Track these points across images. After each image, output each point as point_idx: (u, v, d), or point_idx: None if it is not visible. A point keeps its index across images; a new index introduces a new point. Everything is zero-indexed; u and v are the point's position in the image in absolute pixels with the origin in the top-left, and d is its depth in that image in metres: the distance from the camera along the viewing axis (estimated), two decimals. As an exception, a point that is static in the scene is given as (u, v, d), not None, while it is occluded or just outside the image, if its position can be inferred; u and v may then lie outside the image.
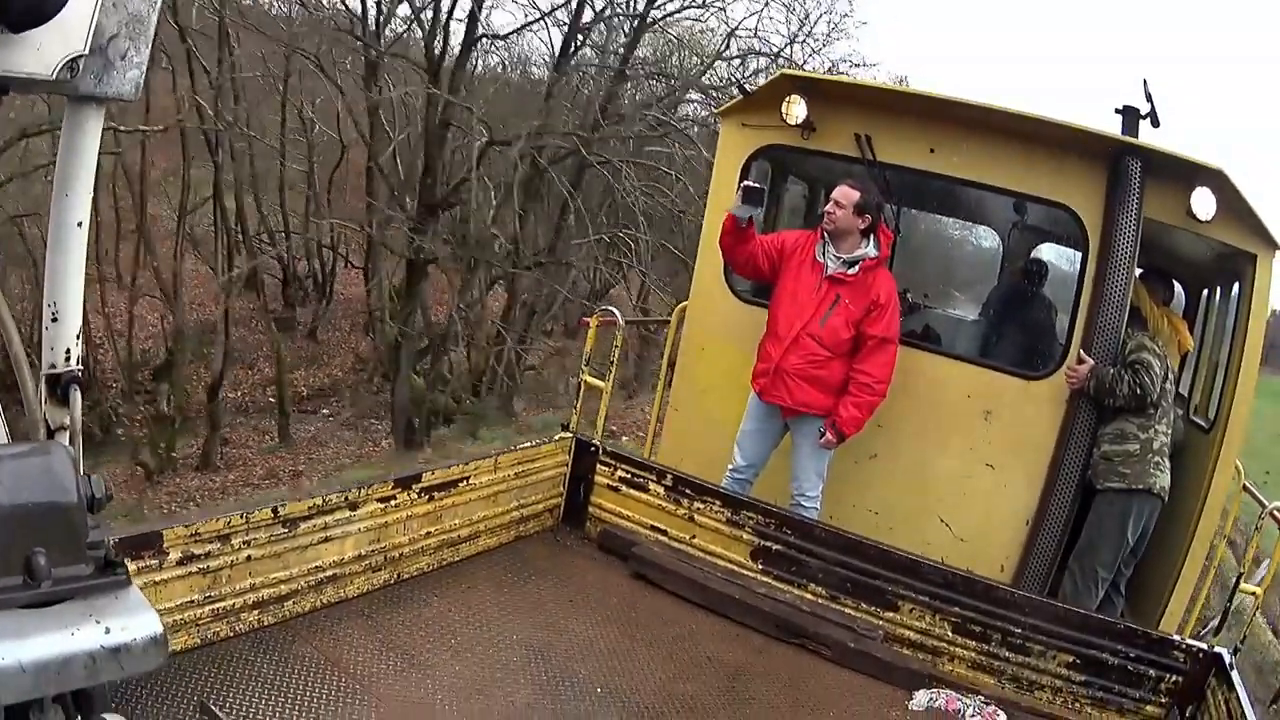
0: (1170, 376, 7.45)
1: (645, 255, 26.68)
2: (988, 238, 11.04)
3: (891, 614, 6.46)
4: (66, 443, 2.95)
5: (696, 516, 7.01)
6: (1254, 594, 6.24)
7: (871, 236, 7.21)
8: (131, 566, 4.20)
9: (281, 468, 24.61)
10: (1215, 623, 6.48)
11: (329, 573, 5.44)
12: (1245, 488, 7.83)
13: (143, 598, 2.64)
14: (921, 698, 5.97)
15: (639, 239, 26.06)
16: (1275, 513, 6.29)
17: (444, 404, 28.19)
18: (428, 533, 6.15)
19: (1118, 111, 7.39)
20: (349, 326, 35.47)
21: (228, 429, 27.21)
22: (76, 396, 2.96)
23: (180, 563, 4.58)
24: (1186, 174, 6.89)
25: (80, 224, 2.79)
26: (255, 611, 5.06)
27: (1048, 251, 9.63)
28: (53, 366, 2.93)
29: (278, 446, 26.52)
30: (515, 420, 26.98)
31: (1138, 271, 7.57)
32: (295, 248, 31.92)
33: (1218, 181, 6.78)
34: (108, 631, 2.48)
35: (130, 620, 2.54)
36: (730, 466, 7.63)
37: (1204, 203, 6.82)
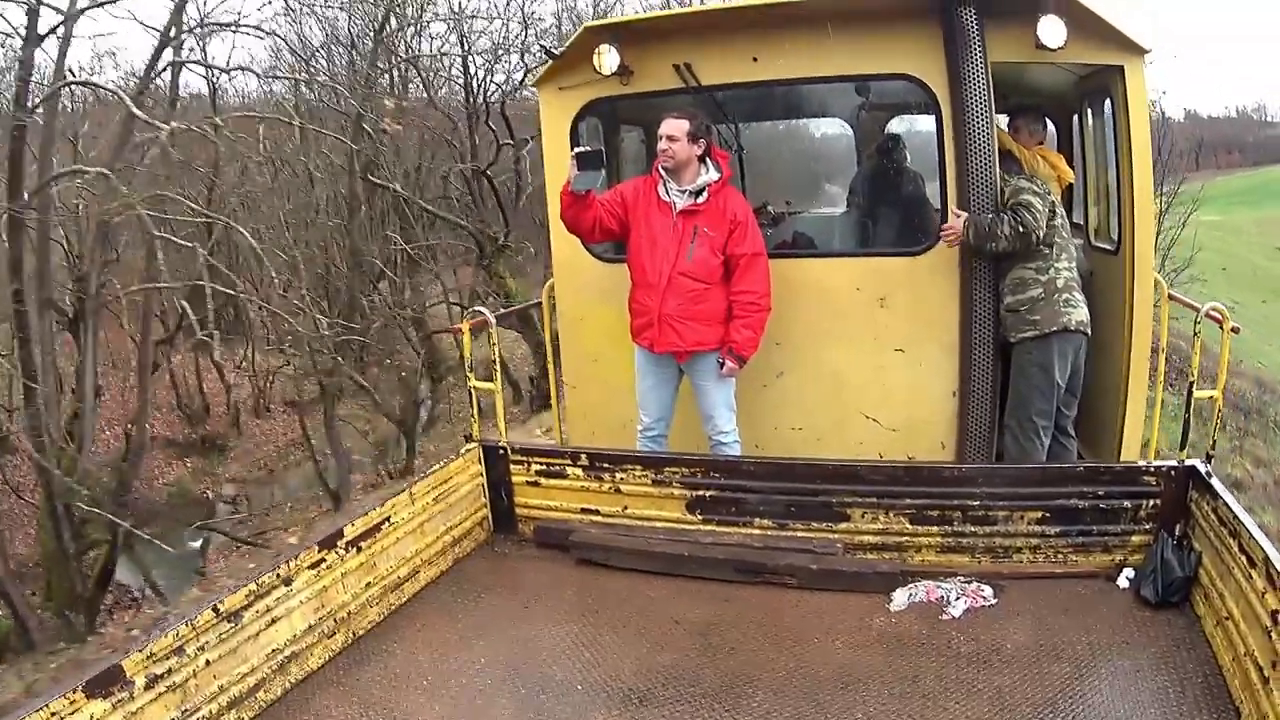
0: (1058, 212, 7.69)
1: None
2: (837, 128, 11.27)
3: (845, 524, 6.74)
4: None
5: (622, 487, 7.26)
6: (1212, 397, 6.54)
7: (709, 160, 7.46)
8: (104, 704, 4.50)
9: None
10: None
11: (287, 652, 5.61)
12: (1171, 296, 8.09)
13: None
14: (900, 597, 6.29)
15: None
16: (1211, 312, 6.53)
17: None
18: (367, 584, 6.32)
19: None
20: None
21: None
22: None
23: (148, 686, 4.76)
24: (1027, 6, 7.06)
25: None
26: (232, 712, 5.23)
27: (899, 125, 9.74)
28: None
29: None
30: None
31: (1004, 119, 7.86)
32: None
33: (1062, 5, 6.95)
34: None
35: None
36: (640, 427, 7.89)
37: (1052, 31, 6.97)
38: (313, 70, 25.85)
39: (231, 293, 22.09)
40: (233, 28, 21.53)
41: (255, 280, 26.34)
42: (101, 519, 18.93)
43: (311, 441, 25.76)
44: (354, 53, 27.16)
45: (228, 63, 26.39)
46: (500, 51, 28.26)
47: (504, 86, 29.05)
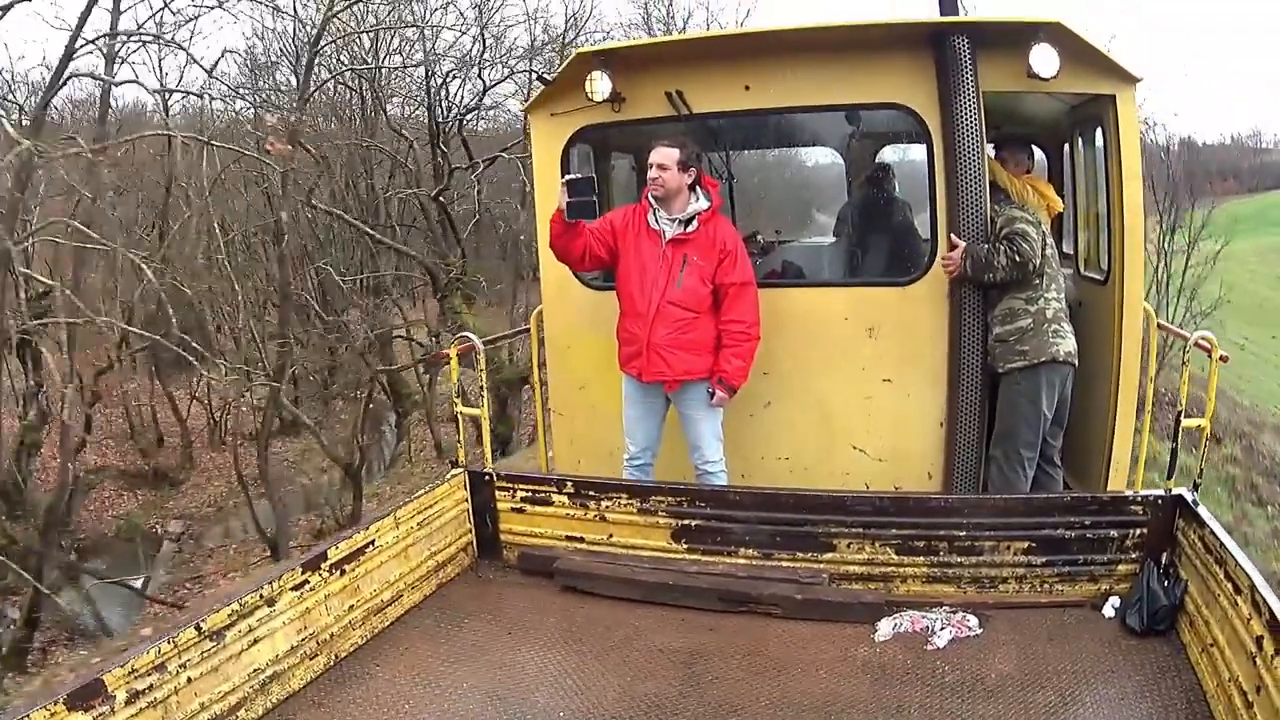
0: (1048, 242, 7.75)
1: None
2: (827, 157, 11.36)
3: (831, 554, 6.76)
4: None
5: (607, 515, 7.27)
6: (1199, 426, 6.60)
7: (699, 189, 7.53)
8: (85, 717, 4.53)
9: None
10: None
11: (269, 671, 5.61)
12: (1160, 325, 8.19)
13: None
14: (885, 626, 6.28)
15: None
16: (1200, 341, 6.66)
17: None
18: (350, 606, 6.33)
19: None
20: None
21: None
22: None
23: (129, 702, 4.78)
24: (1020, 36, 7.19)
25: None
26: None
27: (889, 154, 9.87)
28: None
29: None
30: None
31: (990, 148, 7.95)
32: None
33: (1054, 34, 7.08)
34: None
35: None
36: (626, 456, 7.94)
37: (1044, 60, 7.09)
38: (218, 85, 25.17)
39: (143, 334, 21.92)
40: (145, 39, 21.45)
41: (222, 306, 25.94)
42: (28, 555, 18.76)
43: (265, 479, 24.40)
44: (295, 67, 26.36)
45: (179, 81, 25.53)
46: (457, 67, 27.69)
47: (459, 107, 28.47)
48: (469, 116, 28.81)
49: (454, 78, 28.04)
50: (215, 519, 28.96)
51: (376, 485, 28.23)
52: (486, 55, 27.42)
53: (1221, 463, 23.99)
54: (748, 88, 7.98)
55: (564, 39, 29.78)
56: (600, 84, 7.91)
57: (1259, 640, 4.76)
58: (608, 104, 8.09)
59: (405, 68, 28.12)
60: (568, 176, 7.34)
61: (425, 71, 27.48)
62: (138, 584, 24.44)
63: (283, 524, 23.53)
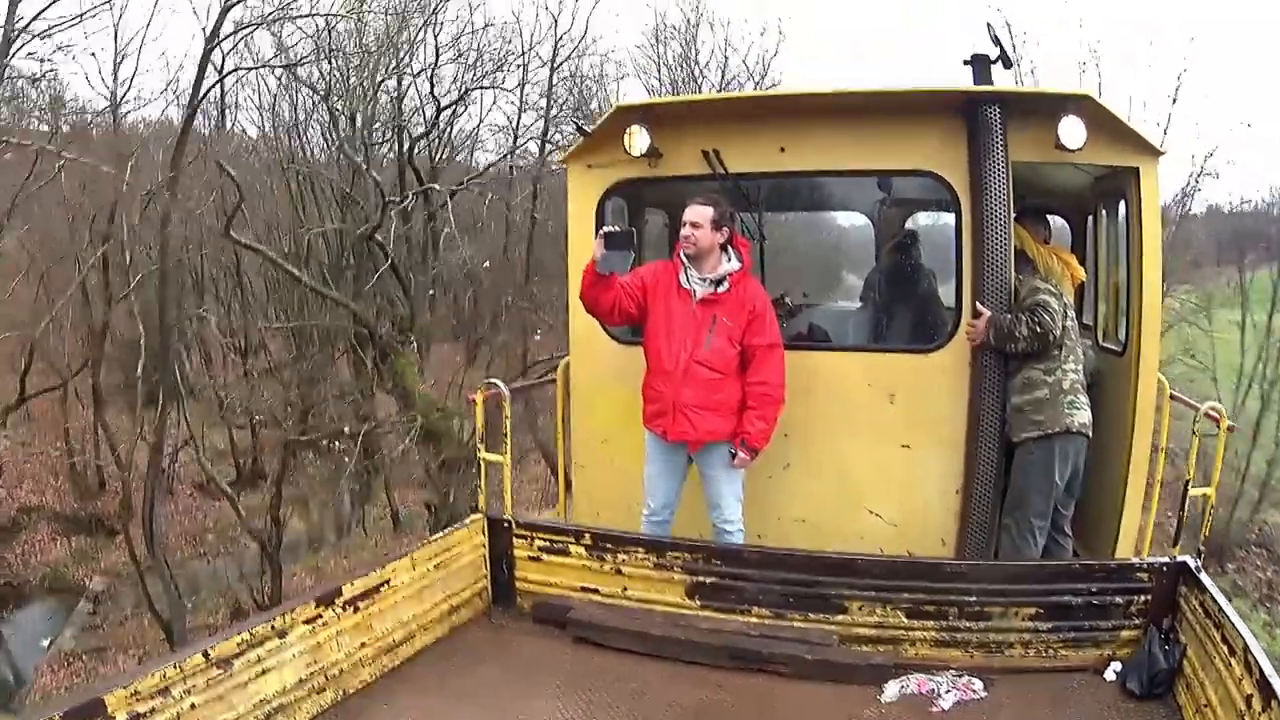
0: (1069, 314, 7.82)
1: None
2: (857, 222, 11.48)
3: (842, 616, 6.84)
4: None
5: (623, 569, 7.36)
6: (1205, 495, 6.72)
7: (730, 249, 7.60)
8: None
9: None
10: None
11: (275, 703, 5.68)
12: (1173, 396, 8.23)
13: None
14: (892, 689, 6.35)
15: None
16: (1210, 411, 6.75)
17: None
18: (362, 643, 6.42)
19: (966, 63, 7.93)
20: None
21: None
22: None
23: None
24: (1049, 107, 7.33)
25: None
26: None
27: (923, 221, 9.96)
28: None
29: None
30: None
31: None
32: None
33: (1083, 106, 7.23)
34: None
35: None
36: (645, 511, 7.97)
37: (1072, 131, 7.20)
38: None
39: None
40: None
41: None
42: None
43: (153, 551, 23.13)
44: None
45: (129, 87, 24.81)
46: (390, 72, 26.85)
47: (408, 127, 27.72)
48: (438, 144, 28.63)
49: (395, 88, 27.67)
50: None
51: (321, 558, 27.51)
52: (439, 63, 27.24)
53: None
54: (783, 149, 8.10)
55: (554, 60, 29.77)
56: (639, 138, 8.01)
57: (1249, 699, 4.90)
58: (645, 159, 8.20)
59: (316, 60, 27.25)
60: (606, 228, 7.38)
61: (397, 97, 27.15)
62: (45, 644, 24.03)
63: (176, 606, 22.82)
